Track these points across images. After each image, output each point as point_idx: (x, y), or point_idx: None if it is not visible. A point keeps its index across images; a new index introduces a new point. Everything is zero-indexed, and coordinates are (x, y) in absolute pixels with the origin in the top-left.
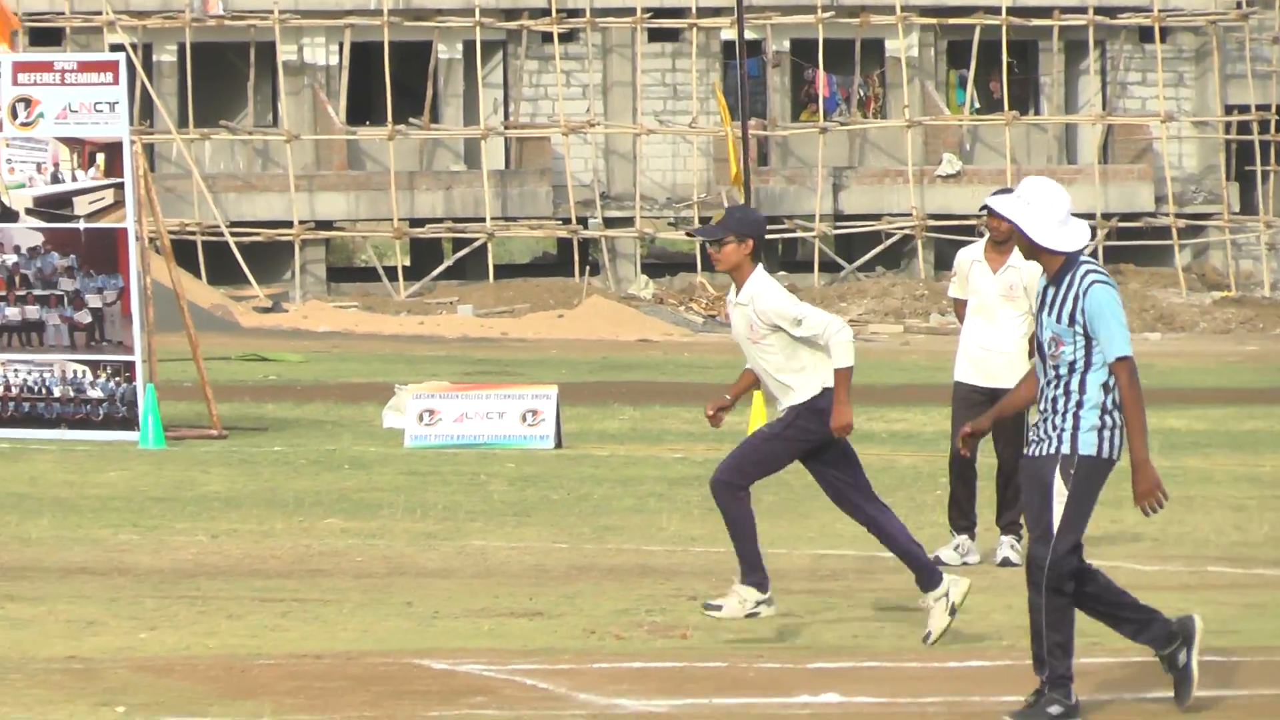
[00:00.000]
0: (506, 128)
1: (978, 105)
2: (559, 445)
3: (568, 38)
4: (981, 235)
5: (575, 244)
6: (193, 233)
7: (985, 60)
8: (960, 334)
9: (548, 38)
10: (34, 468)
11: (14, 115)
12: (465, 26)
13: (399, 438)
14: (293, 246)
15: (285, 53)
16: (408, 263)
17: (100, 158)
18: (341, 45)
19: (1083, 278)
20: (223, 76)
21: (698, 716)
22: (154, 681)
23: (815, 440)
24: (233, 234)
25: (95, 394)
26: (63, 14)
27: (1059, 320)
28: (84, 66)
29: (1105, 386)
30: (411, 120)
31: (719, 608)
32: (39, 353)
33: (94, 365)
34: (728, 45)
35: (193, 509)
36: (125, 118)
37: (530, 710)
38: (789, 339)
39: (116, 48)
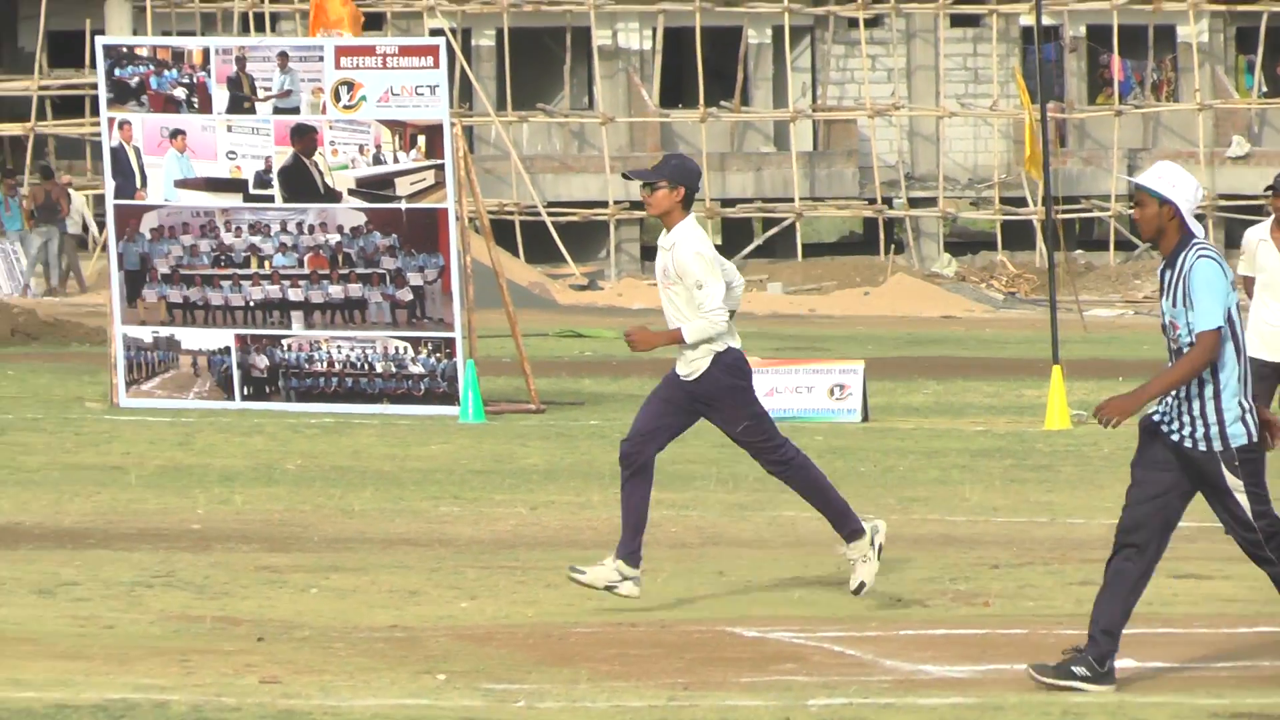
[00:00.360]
0: (814, 110)
1: (1265, 89)
2: (865, 419)
3: (873, 23)
4: (1268, 215)
5: (880, 223)
6: (511, 213)
7: (1272, 46)
8: (1249, 310)
9: (854, 23)
10: (357, 441)
11: (337, 98)
12: (774, 12)
13: None
14: (608, 226)
15: (600, 37)
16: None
17: (421, 140)
18: (655, 30)
19: (1191, 256)
20: (540, 60)
21: (999, 682)
22: (474, 649)
23: (750, 383)
24: (550, 214)
25: (416, 369)
26: None
27: (1174, 303)
28: (405, 50)
29: (1235, 370)
30: (723, 103)
31: (862, 585)
32: (362, 329)
33: (415, 342)
34: (1026, 30)
35: (512, 481)
36: (445, 101)
37: (838, 676)
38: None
39: (436, 32)
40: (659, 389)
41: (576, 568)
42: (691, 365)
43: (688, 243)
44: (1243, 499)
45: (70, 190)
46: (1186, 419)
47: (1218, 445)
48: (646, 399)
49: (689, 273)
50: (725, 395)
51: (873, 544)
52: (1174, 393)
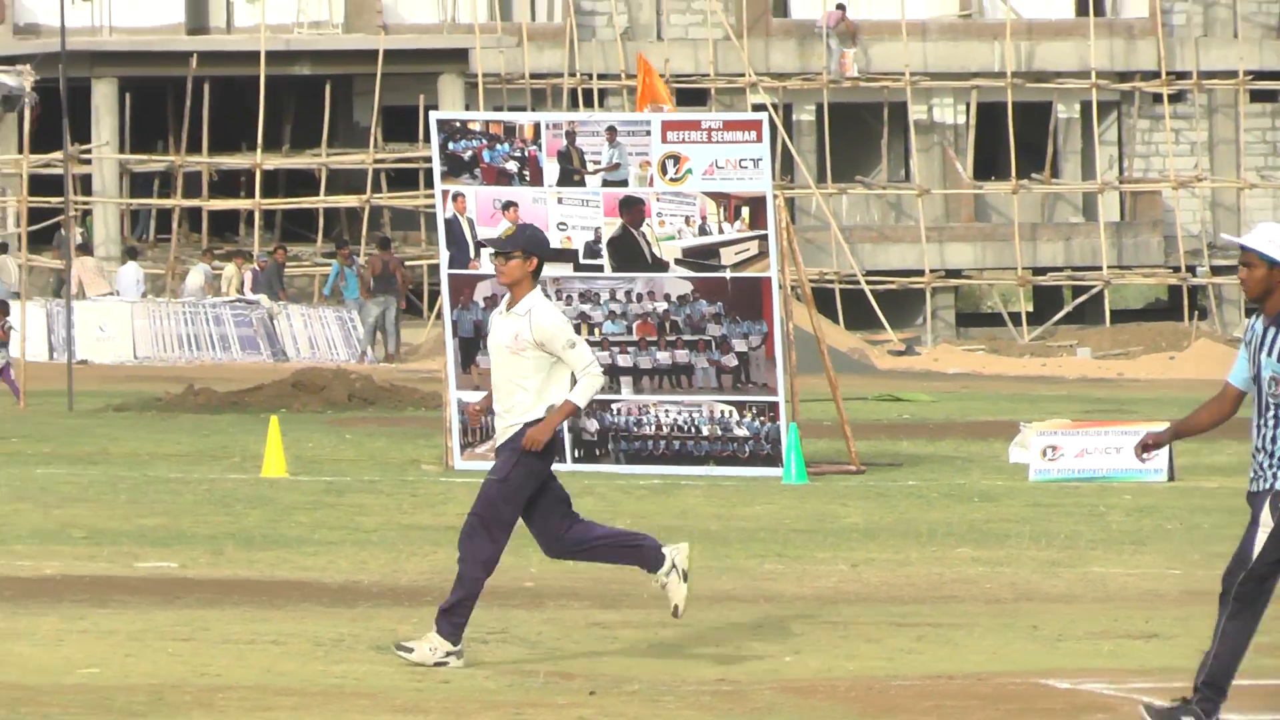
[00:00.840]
0: (1121, 182)
1: None
2: (1171, 478)
3: (1176, 98)
4: None
5: (1184, 291)
6: (831, 281)
7: None
8: None
9: (1158, 98)
10: (684, 502)
11: (664, 171)
12: (1083, 88)
13: (1024, 472)
14: (924, 293)
15: (916, 112)
16: (1030, 308)
17: (745, 211)
18: (968, 105)
19: None
20: (858, 134)
21: None
22: (798, 702)
23: (541, 476)
24: (868, 282)
25: (741, 432)
26: (707, 76)
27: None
28: (729, 125)
29: None
30: (1033, 175)
31: (410, 650)
32: (688, 394)
33: (740, 405)
34: None
35: (833, 540)
36: (768, 173)
37: None
38: (545, 360)
39: (759, 107)
40: None
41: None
42: (508, 431)
43: (546, 309)
44: (1261, 537)
45: (356, 259)
46: (1268, 466)
47: (1279, 485)
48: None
49: (555, 335)
50: (515, 456)
51: (443, 658)
52: (1266, 443)
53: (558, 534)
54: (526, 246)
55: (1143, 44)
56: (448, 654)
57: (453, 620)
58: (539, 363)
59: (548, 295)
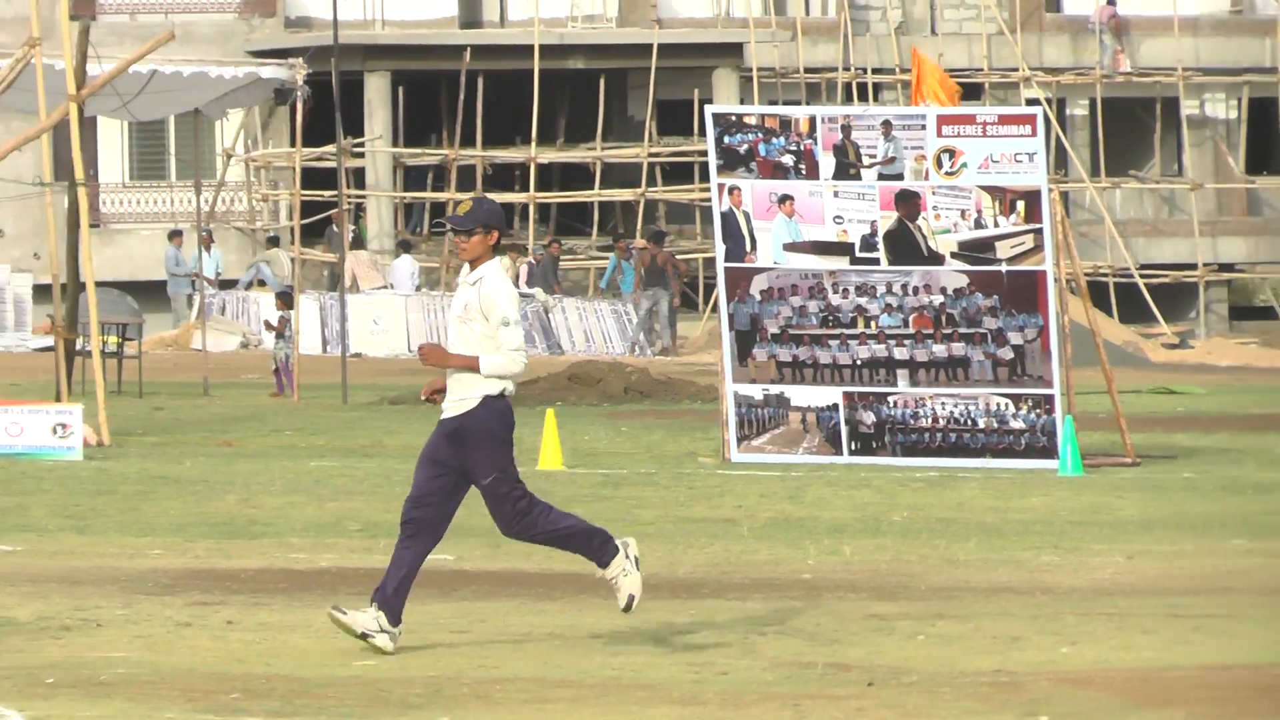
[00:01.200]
0: None
1: None
2: None
3: None
4: None
5: None
6: (1105, 274)
7: None
8: None
9: None
10: (960, 494)
11: (939, 165)
12: None
13: None
14: (1197, 287)
15: (1188, 107)
16: None
17: (1020, 205)
18: (1240, 100)
19: None
20: (1130, 129)
21: None
22: (1074, 692)
23: (510, 436)
24: (1142, 275)
25: (1017, 425)
26: (981, 70)
27: None
28: (1004, 119)
29: None
30: None
31: (629, 603)
32: (964, 387)
33: (1015, 398)
34: None
35: (1109, 532)
36: (1043, 167)
37: None
38: (489, 331)
39: (1033, 102)
40: (426, 447)
41: (339, 607)
42: (460, 405)
43: (497, 280)
44: None
45: (634, 250)
46: None
47: None
48: (419, 459)
49: (497, 309)
50: (483, 441)
51: (628, 557)
52: None
53: (420, 507)
54: (486, 221)
55: None
56: (622, 566)
57: (594, 547)
58: (485, 334)
59: (823, 288)
